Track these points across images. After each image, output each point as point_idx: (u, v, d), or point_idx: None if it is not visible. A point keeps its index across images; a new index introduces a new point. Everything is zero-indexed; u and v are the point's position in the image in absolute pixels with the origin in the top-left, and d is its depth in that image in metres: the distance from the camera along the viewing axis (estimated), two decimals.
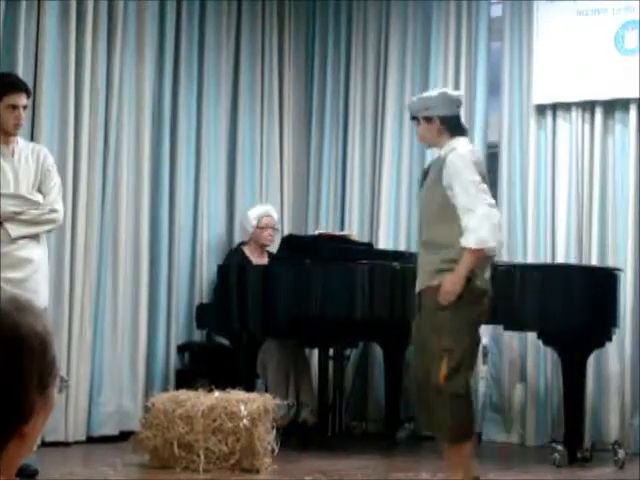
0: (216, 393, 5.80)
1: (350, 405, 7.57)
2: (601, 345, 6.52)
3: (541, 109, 7.49)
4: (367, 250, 7.32)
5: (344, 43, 8.21)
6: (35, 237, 5.38)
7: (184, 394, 5.87)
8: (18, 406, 1.27)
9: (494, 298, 4.95)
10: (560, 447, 6.24)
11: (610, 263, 7.12)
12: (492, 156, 7.72)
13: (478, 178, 4.75)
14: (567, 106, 7.42)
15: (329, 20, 8.26)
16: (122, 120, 6.94)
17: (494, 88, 7.73)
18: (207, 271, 7.49)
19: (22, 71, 6.21)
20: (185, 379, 6.88)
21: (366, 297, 6.49)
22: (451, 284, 4.63)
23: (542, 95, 7.44)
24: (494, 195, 5.38)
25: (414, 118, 4.98)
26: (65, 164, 6.42)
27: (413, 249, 6.74)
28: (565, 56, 7.34)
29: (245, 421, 5.58)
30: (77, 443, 6.55)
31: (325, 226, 7.94)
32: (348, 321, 6.67)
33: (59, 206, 5.46)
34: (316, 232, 7.54)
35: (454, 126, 4.90)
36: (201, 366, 7.16)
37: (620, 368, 7.08)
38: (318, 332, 6.77)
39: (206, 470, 5.57)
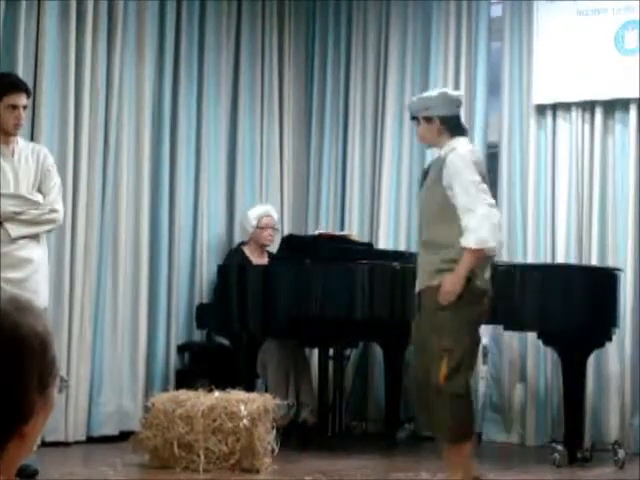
0: (216, 393, 5.80)
1: (350, 405, 7.57)
2: (601, 345, 6.52)
3: (541, 109, 7.49)
4: (367, 250, 7.32)
5: (344, 43, 8.21)
6: (35, 237, 5.37)
7: (184, 394, 5.87)
8: (18, 406, 1.27)
9: (494, 298, 4.95)
10: (560, 447, 6.24)
11: (610, 263, 7.12)
12: (492, 156, 7.72)
13: (478, 178, 4.75)
14: (567, 106, 7.42)
15: (329, 20, 8.25)
16: (122, 120, 6.94)
17: (494, 88, 7.73)
18: (207, 271, 7.48)
19: (22, 71, 6.21)
20: (185, 379, 6.88)
21: (366, 297, 6.49)
22: (451, 284, 4.63)
23: (542, 95, 7.44)
24: (494, 195, 5.38)
25: (414, 118, 4.98)
26: (65, 164, 6.42)
27: (413, 249, 6.73)
28: (565, 56, 7.34)
29: (245, 421, 5.58)
30: (77, 443, 6.55)
31: (325, 226, 7.94)
32: (348, 321, 6.67)
33: (59, 206, 5.46)
34: (316, 232, 7.54)
35: (454, 126, 4.90)
36: (201, 366, 7.15)
37: (620, 368, 7.08)
38: (318, 332, 6.77)
39: (206, 470, 5.57)
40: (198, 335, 7.48)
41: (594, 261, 7.19)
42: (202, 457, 5.60)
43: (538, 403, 7.28)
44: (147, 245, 7.07)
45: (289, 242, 7.27)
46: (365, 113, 8.10)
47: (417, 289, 4.80)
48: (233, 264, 7.25)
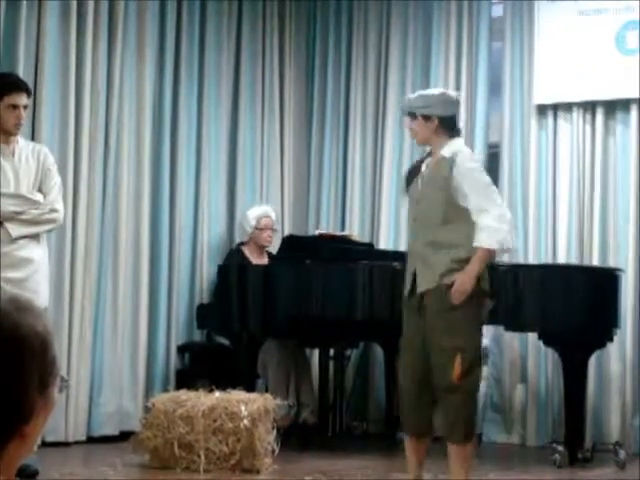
0: (216, 393, 5.80)
1: (350, 405, 7.57)
2: (602, 345, 6.52)
3: (542, 109, 7.49)
4: (368, 250, 7.32)
5: (345, 43, 8.21)
6: (35, 237, 5.37)
7: (184, 394, 5.87)
8: (18, 406, 1.26)
9: (493, 298, 4.95)
10: (561, 447, 6.24)
11: (611, 263, 7.12)
12: (493, 156, 7.72)
13: (489, 180, 4.79)
14: (568, 106, 7.41)
15: (330, 20, 8.25)
16: (123, 120, 6.94)
17: (495, 88, 7.73)
18: (207, 271, 7.48)
19: (23, 71, 6.21)
20: (185, 379, 6.88)
21: (366, 297, 6.48)
22: (463, 283, 4.62)
23: (543, 95, 7.43)
24: None
25: (410, 114, 4.92)
26: (65, 164, 6.42)
27: None
28: (566, 56, 7.34)
29: (246, 421, 5.58)
30: (77, 443, 6.54)
31: (326, 226, 7.94)
32: (348, 321, 6.66)
33: (59, 206, 5.46)
34: (317, 232, 7.54)
35: (452, 127, 4.89)
36: (201, 366, 7.15)
37: (621, 368, 7.08)
38: (318, 332, 6.76)
39: (206, 470, 5.57)
40: (198, 335, 7.48)
41: (595, 261, 7.19)
42: (202, 457, 5.59)
43: (539, 403, 7.28)
44: (147, 245, 7.07)
45: (290, 242, 7.27)
46: (366, 113, 8.10)
47: (421, 289, 4.75)
48: (233, 264, 7.25)
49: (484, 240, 4.65)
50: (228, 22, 7.72)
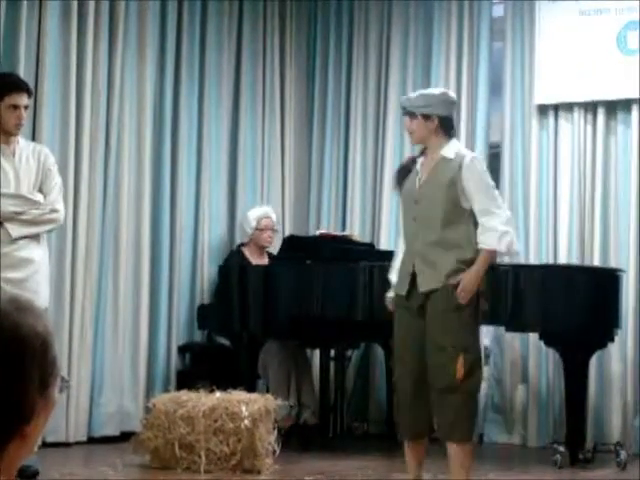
0: (217, 394, 5.79)
1: (351, 406, 7.57)
2: (603, 346, 6.51)
3: (543, 109, 7.48)
4: (368, 250, 7.32)
5: (346, 43, 8.21)
6: (35, 237, 5.36)
7: (185, 395, 5.87)
8: (19, 406, 1.26)
9: (487, 299, 4.95)
10: (562, 448, 6.24)
11: (612, 264, 7.11)
12: (494, 156, 7.71)
13: (493, 183, 4.82)
14: (569, 106, 7.41)
15: (331, 20, 8.25)
16: (123, 120, 6.94)
17: (496, 88, 7.73)
18: (208, 271, 7.48)
19: (23, 71, 6.20)
20: (186, 380, 6.87)
21: (367, 298, 6.47)
22: (469, 283, 4.62)
23: (544, 95, 7.43)
24: None
25: (409, 113, 4.90)
26: (66, 164, 6.42)
27: None
28: (567, 56, 7.33)
29: (246, 422, 5.58)
30: (78, 444, 6.54)
31: (326, 226, 7.93)
32: (349, 322, 6.66)
33: (60, 206, 5.45)
34: (317, 232, 7.54)
35: (450, 127, 4.89)
36: (202, 367, 7.15)
37: (622, 369, 7.08)
38: (319, 333, 6.76)
39: (207, 471, 5.57)
40: (199, 336, 7.48)
41: (596, 262, 7.18)
42: (203, 458, 5.59)
43: (540, 404, 7.27)
44: (148, 245, 7.07)
45: (290, 242, 7.27)
46: (367, 113, 8.10)
47: (424, 289, 4.73)
48: (234, 264, 7.24)
49: (491, 242, 4.65)
50: (229, 22, 7.72)
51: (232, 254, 7.52)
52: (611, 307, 6.43)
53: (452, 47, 7.78)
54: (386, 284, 5.09)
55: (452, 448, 4.70)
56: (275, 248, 7.48)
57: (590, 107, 7.36)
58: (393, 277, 4.95)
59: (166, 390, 6.57)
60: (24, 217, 5.30)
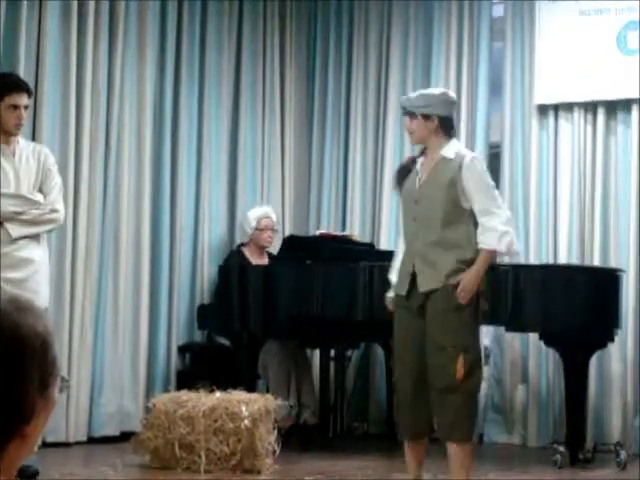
0: (217, 394, 5.79)
1: (351, 406, 7.57)
2: (603, 346, 6.51)
3: (543, 109, 7.48)
4: (368, 250, 7.32)
5: (346, 43, 8.21)
6: (35, 237, 5.36)
7: (185, 395, 5.86)
8: (19, 406, 1.26)
9: (487, 299, 4.95)
10: (562, 448, 6.24)
11: (612, 264, 7.11)
12: (494, 156, 7.71)
13: (494, 183, 4.83)
14: (569, 106, 7.41)
15: (331, 20, 8.25)
16: (123, 120, 6.94)
17: (496, 88, 7.73)
18: (208, 271, 7.48)
19: (23, 71, 6.20)
20: (186, 380, 6.87)
21: (367, 297, 6.47)
22: (470, 283, 4.62)
23: (544, 95, 7.43)
24: None
25: (409, 113, 4.90)
26: (66, 164, 6.42)
27: None
28: (567, 56, 7.33)
29: (246, 422, 5.58)
30: (78, 444, 6.54)
31: (326, 226, 7.93)
32: (349, 322, 6.66)
33: (60, 206, 5.45)
34: (317, 232, 7.54)
35: (450, 127, 4.89)
36: (202, 367, 7.15)
37: (622, 369, 7.08)
38: (319, 333, 6.76)
39: (207, 471, 5.57)
40: (199, 336, 7.47)
41: (596, 262, 7.18)
42: (203, 458, 5.59)
43: (540, 404, 7.27)
44: (148, 245, 7.07)
45: (290, 242, 7.27)
46: (367, 113, 8.10)
47: (424, 289, 4.73)
48: (234, 264, 7.24)
49: (492, 242, 4.65)
50: (229, 22, 7.72)
51: (232, 254, 7.53)
52: (611, 307, 6.43)
53: (452, 47, 7.78)
54: (386, 284, 5.08)
55: (452, 448, 4.70)
56: (275, 248, 7.48)
57: (590, 107, 7.36)
58: (393, 277, 4.95)
59: (166, 390, 6.57)
60: (24, 217, 5.30)
